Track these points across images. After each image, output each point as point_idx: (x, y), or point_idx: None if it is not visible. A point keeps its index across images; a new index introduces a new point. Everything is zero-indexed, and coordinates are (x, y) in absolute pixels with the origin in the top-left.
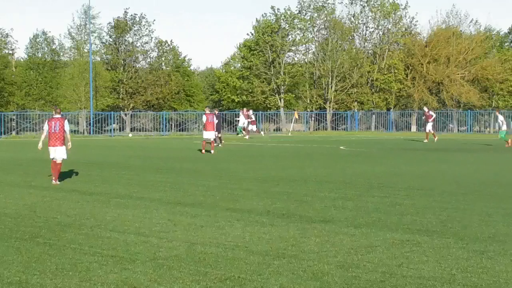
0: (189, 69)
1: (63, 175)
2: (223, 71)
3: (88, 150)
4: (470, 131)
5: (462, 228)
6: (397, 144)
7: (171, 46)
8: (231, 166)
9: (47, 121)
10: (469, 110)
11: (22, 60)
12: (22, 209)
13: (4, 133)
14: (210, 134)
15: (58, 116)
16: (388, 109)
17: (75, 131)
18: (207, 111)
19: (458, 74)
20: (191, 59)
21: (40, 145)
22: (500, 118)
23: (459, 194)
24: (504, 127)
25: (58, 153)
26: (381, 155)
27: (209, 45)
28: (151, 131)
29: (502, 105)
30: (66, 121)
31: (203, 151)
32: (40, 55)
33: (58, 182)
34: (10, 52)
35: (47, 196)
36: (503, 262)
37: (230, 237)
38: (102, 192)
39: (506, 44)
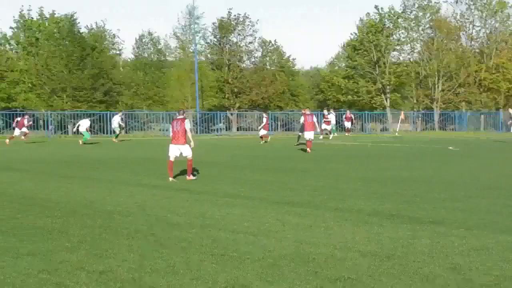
0: (293, 69)
1: (175, 173)
2: (328, 70)
3: (195, 149)
4: None
5: None
6: (508, 145)
7: (275, 46)
8: (338, 166)
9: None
10: None
11: (129, 60)
12: (132, 207)
13: (112, 132)
14: (310, 134)
15: (181, 117)
16: (498, 109)
17: None
18: (307, 112)
19: None
20: (295, 59)
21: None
22: None
23: None
24: None
25: (184, 150)
26: (490, 156)
27: (313, 44)
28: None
29: None
30: (187, 121)
31: (308, 150)
32: (146, 55)
33: (193, 177)
34: (118, 52)
35: (157, 195)
36: None
37: (338, 237)
38: (210, 191)
39: None
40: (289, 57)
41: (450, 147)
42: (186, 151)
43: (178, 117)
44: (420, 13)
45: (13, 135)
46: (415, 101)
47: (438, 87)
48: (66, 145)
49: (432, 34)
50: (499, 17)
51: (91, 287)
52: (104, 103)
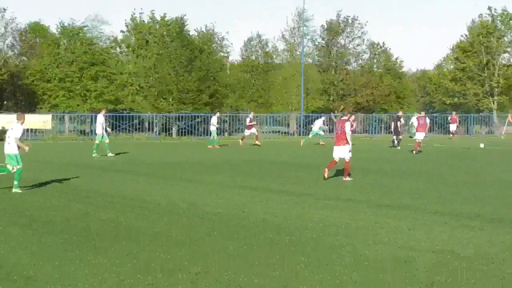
0: (400, 71)
1: (274, 176)
2: (436, 73)
3: (298, 151)
4: None
5: None
6: None
7: (383, 48)
8: (441, 169)
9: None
10: None
11: (236, 62)
12: (232, 208)
13: (217, 134)
14: (421, 135)
15: (344, 118)
16: None
17: (282, 132)
18: (422, 114)
19: None
20: (403, 61)
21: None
22: None
23: None
24: None
25: (342, 152)
26: None
27: (421, 47)
28: (360, 132)
29: None
30: (347, 123)
31: (414, 152)
32: (254, 57)
33: (349, 178)
34: (225, 55)
35: (256, 197)
36: None
37: (437, 240)
38: (310, 193)
39: None
40: (396, 59)
41: None
42: (343, 153)
43: (342, 118)
44: None
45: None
46: None
47: None
48: (167, 147)
49: None
50: None
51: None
52: (209, 105)
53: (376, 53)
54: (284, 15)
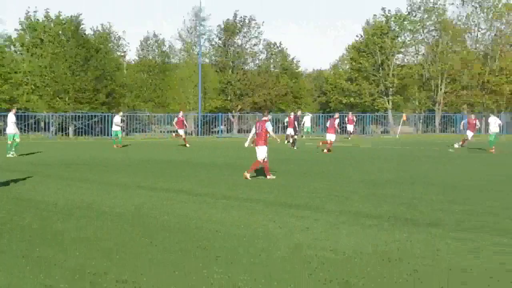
0: (297, 71)
1: (172, 175)
2: (332, 72)
3: (195, 151)
4: None
5: None
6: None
7: (279, 48)
8: (338, 168)
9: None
10: None
11: (133, 62)
12: (129, 207)
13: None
14: (332, 136)
15: (264, 118)
16: (499, 112)
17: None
18: (336, 116)
19: None
20: (299, 61)
21: (246, 144)
22: None
23: None
24: None
25: (262, 152)
26: (493, 158)
27: (317, 47)
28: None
29: None
30: (267, 123)
31: (325, 151)
32: (150, 57)
33: (273, 177)
34: (122, 54)
35: (154, 197)
36: None
37: (335, 239)
38: (208, 193)
39: None
40: (293, 59)
41: (450, 150)
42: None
43: (262, 119)
44: (426, 15)
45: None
46: (417, 103)
47: (441, 89)
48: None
49: (437, 36)
50: (505, 19)
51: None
52: (106, 105)
53: (273, 53)
54: (182, 14)
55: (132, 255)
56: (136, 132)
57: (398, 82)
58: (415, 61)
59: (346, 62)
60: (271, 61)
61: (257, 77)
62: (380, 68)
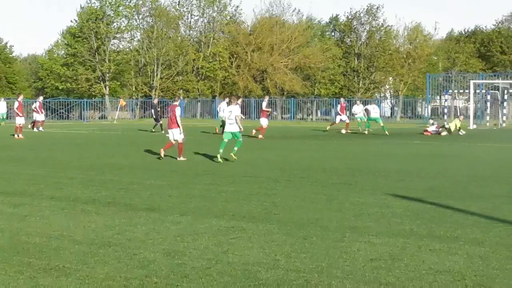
0: (10, 56)
1: None
2: (47, 58)
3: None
4: (293, 118)
5: (286, 214)
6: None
7: None
8: (56, 154)
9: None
10: (292, 98)
11: None
12: None
13: None
14: (265, 121)
15: (175, 103)
16: (214, 97)
17: None
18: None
19: (282, 62)
20: (13, 46)
21: None
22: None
23: (283, 181)
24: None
25: (175, 135)
26: (203, 143)
27: (32, 31)
28: None
29: (324, 93)
30: (177, 108)
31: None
32: None
33: (183, 158)
34: None
35: None
36: (325, 246)
37: (54, 226)
38: None
39: (327, 33)
40: (6, 43)
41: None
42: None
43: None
44: (140, 1)
45: None
46: (134, 89)
47: (157, 75)
48: None
49: (152, 23)
50: (216, 6)
51: None
52: None
53: None
54: None
55: None
56: None
57: (114, 67)
58: (131, 47)
59: (61, 47)
60: None
61: None
62: (96, 54)
